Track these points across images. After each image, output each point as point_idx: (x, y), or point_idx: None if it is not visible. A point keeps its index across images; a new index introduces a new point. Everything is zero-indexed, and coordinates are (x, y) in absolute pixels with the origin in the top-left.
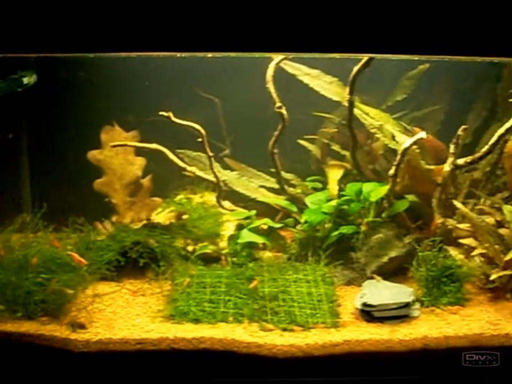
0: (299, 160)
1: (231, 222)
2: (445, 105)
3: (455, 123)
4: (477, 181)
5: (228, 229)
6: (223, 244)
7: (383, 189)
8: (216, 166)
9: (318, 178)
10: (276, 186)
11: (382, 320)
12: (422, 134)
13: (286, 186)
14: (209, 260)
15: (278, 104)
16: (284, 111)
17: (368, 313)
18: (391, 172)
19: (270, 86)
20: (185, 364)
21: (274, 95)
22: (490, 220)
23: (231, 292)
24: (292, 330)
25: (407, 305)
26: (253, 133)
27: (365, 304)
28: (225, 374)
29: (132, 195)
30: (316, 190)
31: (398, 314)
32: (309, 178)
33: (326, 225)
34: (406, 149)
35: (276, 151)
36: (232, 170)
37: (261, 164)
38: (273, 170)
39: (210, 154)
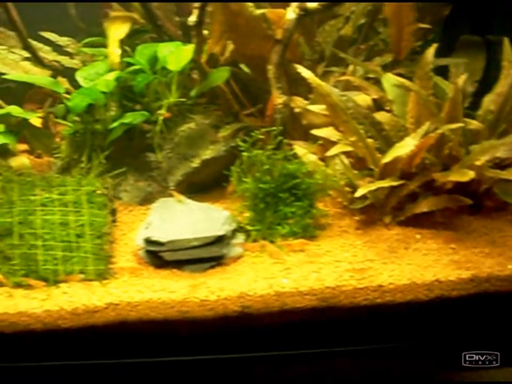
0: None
1: None
2: None
3: None
4: (345, 38)
5: None
6: None
7: (189, 51)
8: None
9: (96, 40)
10: (52, 57)
11: (179, 265)
12: None
13: (51, 56)
14: None
15: None
16: None
17: (157, 255)
18: (192, 18)
19: None
20: None
21: None
22: (363, 98)
23: None
24: (28, 286)
25: (219, 240)
26: None
27: (149, 241)
28: None
29: None
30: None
31: (204, 256)
32: (86, 41)
33: (112, 113)
34: None
35: None
36: None
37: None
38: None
39: None
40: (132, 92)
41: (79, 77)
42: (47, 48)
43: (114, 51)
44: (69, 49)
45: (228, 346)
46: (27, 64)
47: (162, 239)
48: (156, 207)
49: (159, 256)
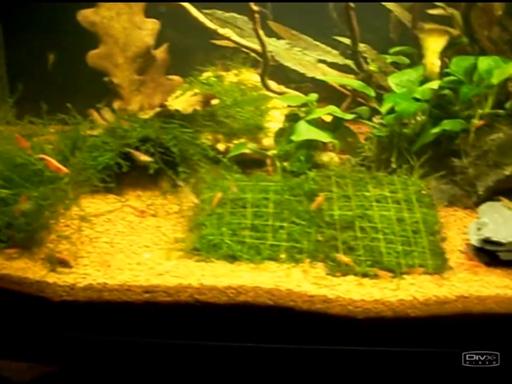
0: (371, 27)
1: (279, 110)
2: None
3: None
4: None
5: (275, 120)
6: (267, 141)
7: None
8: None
9: (404, 49)
10: (340, 61)
11: (510, 264)
12: None
13: (339, 60)
14: (248, 164)
15: None
16: None
17: (491, 254)
18: None
19: None
20: (216, 325)
21: None
22: None
23: (284, 214)
24: (375, 276)
25: None
26: None
27: (486, 241)
28: (276, 340)
29: (141, 72)
30: (398, 67)
31: None
32: (393, 50)
33: (419, 118)
34: None
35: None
36: (279, 38)
37: (320, 31)
38: (338, 37)
39: (255, 8)
40: (444, 99)
41: (391, 82)
42: (334, 51)
43: (433, 61)
44: (365, 55)
45: None
46: (324, 66)
47: (503, 239)
48: (484, 211)
49: (494, 256)
